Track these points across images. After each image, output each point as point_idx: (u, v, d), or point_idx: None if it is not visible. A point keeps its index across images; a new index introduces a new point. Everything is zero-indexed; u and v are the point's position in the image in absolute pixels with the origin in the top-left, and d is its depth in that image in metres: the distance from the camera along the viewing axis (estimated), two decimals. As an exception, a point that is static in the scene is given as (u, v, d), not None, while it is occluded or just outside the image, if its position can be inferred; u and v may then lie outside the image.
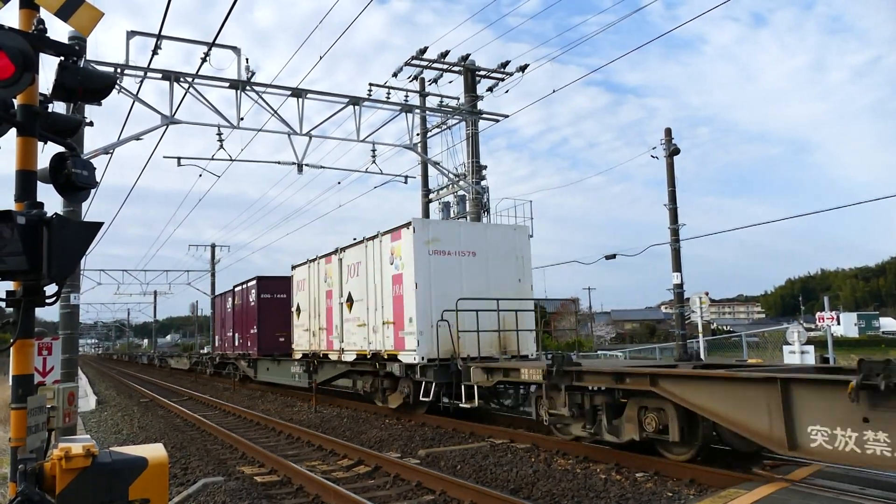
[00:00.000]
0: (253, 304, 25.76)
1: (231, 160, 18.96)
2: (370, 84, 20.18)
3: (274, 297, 25.25)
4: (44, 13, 4.43)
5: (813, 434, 6.76)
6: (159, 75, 16.64)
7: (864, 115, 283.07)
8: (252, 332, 25.67)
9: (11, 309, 4.22)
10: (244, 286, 27.49)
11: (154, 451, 4.41)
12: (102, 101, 4.90)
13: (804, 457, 7.08)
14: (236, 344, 28.27)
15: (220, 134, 18.00)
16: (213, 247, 52.70)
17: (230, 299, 29.79)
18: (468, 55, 21.88)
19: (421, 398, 14.00)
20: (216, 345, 34.41)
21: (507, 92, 21.29)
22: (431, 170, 24.62)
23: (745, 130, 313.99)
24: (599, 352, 45.57)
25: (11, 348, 4.23)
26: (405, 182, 23.04)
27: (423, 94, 22.69)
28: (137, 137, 16.15)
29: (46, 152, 4.54)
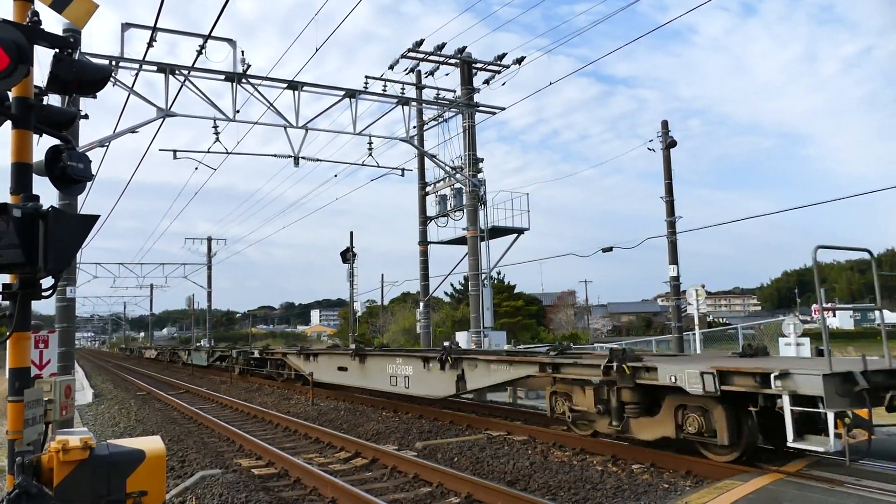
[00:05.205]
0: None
1: (227, 153, 18.89)
2: (366, 76, 20.16)
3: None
4: (38, 5, 4.41)
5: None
6: (154, 68, 16.57)
7: (856, 108, 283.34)
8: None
9: (8, 302, 4.21)
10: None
11: (151, 444, 4.42)
12: (97, 94, 4.88)
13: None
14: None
15: (215, 126, 17.95)
16: (209, 240, 52.62)
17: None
18: (464, 48, 21.81)
19: None
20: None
21: (503, 84, 21.26)
22: (428, 162, 24.59)
23: (737, 123, 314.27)
24: (596, 344, 45.65)
25: (8, 341, 4.22)
26: (402, 175, 23.01)
27: (419, 87, 22.64)
28: (133, 130, 16.08)
29: (42, 145, 4.53)
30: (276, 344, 48.08)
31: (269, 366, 24.03)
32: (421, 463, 8.98)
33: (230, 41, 17.05)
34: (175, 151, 19.18)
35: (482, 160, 22.40)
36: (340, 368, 17.18)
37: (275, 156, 20.17)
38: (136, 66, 16.14)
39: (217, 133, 18.13)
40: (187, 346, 43.01)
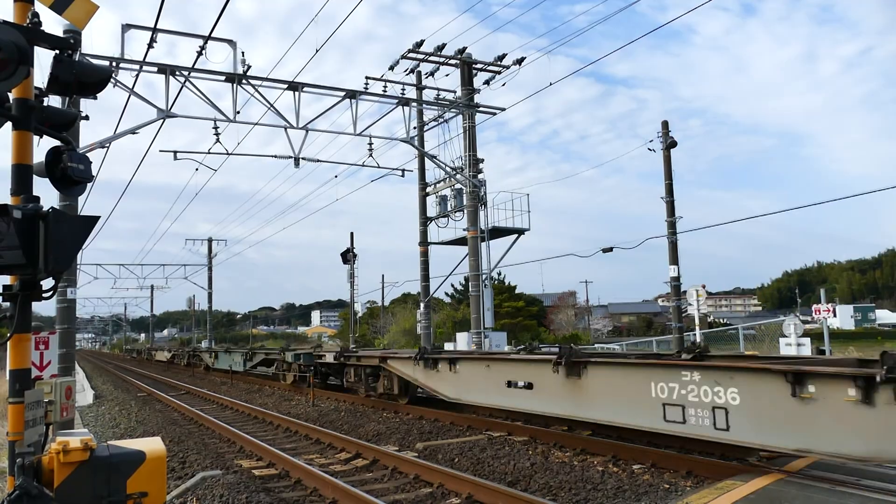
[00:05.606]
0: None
1: (228, 154, 18.91)
2: (367, 77, 20.17)
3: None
4: (39, 6, 4.41)
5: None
6: (155, 69, 16.58)
7: (856, 108, 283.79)
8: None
9: (8, 303, 4.21)
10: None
11: (152, 445, 4.41)
12: (97, 95, 4.88)
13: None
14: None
15: (216, 127, 17.96)
16: (209, 241, 52.66)
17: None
18: (465, 48, 21.82)
19: None
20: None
21: (503, 85, 21.27)
22: (428, 163, 24.61)
23: (737, 122, 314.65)
24: (597, 345, 45.64)
25: (9, 343, 4.22)
26: (402, 175, 23.04)
27: (419, 88, 22.65)
28: (134, 131, 16.09)
29: (42, 146, 4.53)
30: (276, 345, 47.23)
31: (353, 375, 18.20)
32: (421, 464, 8.98)
33: (230, 42, 17.07)
34: (175, 152, 19.20)
35: (482, 160, 22.41)
36: (516, 385, 11.29)
37: (275, 157, 20.22)
38: (137, 67, 16.15)
39: (217, 134, 18.15)
40: (212, 348, 40.78)
